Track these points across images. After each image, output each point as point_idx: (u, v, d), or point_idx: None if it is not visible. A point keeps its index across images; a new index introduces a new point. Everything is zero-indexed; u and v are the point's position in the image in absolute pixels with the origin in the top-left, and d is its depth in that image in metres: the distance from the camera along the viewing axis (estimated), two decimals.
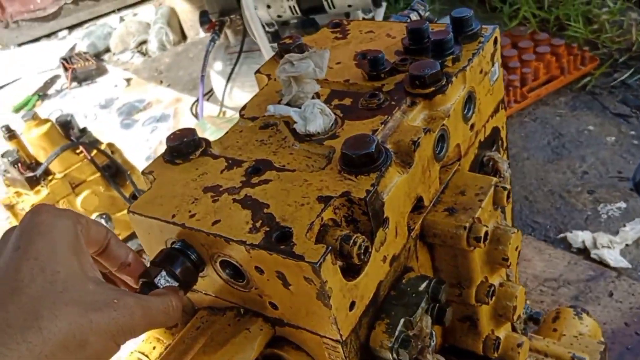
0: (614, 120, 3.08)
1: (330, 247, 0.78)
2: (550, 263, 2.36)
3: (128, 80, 5.10)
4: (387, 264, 0.92)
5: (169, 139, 1.02)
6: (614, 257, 2.33)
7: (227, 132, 1.08)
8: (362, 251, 0.81)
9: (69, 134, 2.51)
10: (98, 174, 2.58)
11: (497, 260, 1.02)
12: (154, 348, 1.04)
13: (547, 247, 2.44)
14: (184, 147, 1.00)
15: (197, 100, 3.88)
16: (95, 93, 5.02)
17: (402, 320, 0.90)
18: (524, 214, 2.70)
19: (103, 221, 2.57)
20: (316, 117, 0.97)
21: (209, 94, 4.32)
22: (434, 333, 0.99)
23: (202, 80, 3.49)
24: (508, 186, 1.03)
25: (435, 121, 0.99)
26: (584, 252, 2.44)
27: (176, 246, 0.90)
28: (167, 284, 0.86)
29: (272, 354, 0.93)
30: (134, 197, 2.59)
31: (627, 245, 2.42)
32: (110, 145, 2.71)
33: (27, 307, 0.66)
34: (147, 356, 1.03)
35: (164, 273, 0.86)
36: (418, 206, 1.00)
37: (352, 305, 0.85)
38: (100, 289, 0.73)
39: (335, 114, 1.00)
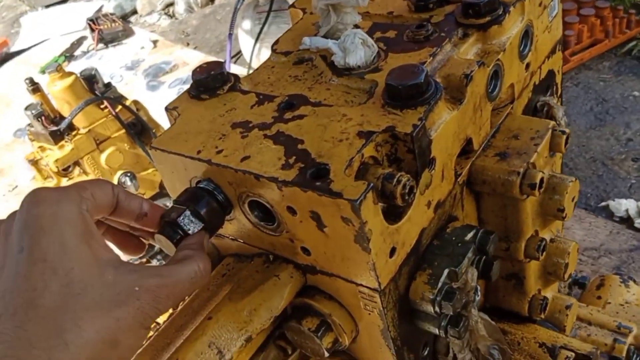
0: None
1: (372, 184, 0.70)
2: (590, 232, 2.24)
3: (154, 42, 5.04)
4: (432, 210, 0.84)
5: (194, 72, 0.94)
6: None
7: (257, 68, 1.00)
8: (406, 191, 0.73)
9: (94, 88, 2.45)
10: (123, 131, 2.52)
11: (552, 212, 0.93)
12: None
13: (588, 215, 2.32)
14: (211, 81, 0.93)
15: (224, 62, 3.79)
16: (122, 54, 4.98)
17: (446, 271, 0.82)
18: None
19: (127, 179, 2.52)
20: (357, 48, 0.88)
21: (237, 56, 4.24)
22: (478, 287, 0.90)
23: (230, 38, 3.40)
24: (567, 130, 0.93)
25: (490, 55, 0.89)
26: (627, 221, 2.32)
27: (202, 185, 0.83)
28: (192, 225, 0.79)
29: (303, 303, 0.85)
30: None
31: None
32: (135, 102, 2.65)
33: (48, 322, 0.59)
34: None
35: (188, 212, 0.79)
36: (466, 150, 0.91)
37: (393, 251, 0.77)
38: (119, 277, 0.65)
39: (377, 46, 0.91)
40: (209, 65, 0.95)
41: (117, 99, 2.48)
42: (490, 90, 0.89)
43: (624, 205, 2.36)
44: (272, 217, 0.80)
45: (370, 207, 0.70)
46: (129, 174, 2.52)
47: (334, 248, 0.76)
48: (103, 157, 2.50)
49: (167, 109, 0.94)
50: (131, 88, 4.25)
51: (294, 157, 0.76)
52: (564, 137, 0.92)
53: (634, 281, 1.63)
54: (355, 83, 0.88)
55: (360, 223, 0.70)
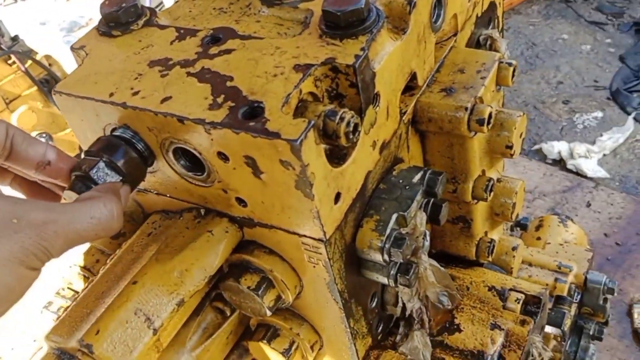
0: (589, 28, 2.95)
1: (312, 122, 0.62)
2: (524, 175, 2.26)
3: None
4: (377, 151, 0.77)
5: (103, 5, 0.82)
6: (591, 167, 2.25)
7: (176, 1, 0.89)
8: (350, 129, 0.65)
9: None
10: (35, 88, 2.31)
11: (500, 149, 0.89)
12: (97, 261, 0.88)
13: (522, 159, 2.34)
14: (122, 14, 0.81)
15: None
16: (33, 9, 4.61)
17: (394, 216, 0.76)
18: None
19: (43, 140, 2.33)
20: None
21: (159, 6, 4.00)
22: (427, 232, 0.85)
23: None
24: (514, 62, 0.87)
25: None
26: (559, 163, 2.35)
27: (117, 133, 0.73)
28: (108, 178, 0.69)
29: (241, 260, 0.78)
30: None
31: (604, 155, 2.34)
32: (47, 57, 2.43)
33: None
34: (89, 270, 0.87)
35: (102, 164, 0.69)
36: (411, 86, 0.84)
37: (338, 197, 0.70)
38: None
39: None
40: None
41: (26, 53, 2.26)
42: (434, 20, 0.82)
43: (556, 148, 2.39)
44: (201, 166, 0.71)
45: (312, 147, 0.62)
46: (44, 135, 2.33)
47: (273, 197, 0.68)
48: (14, 117, 2.30)
49: (72, 48, 0.82)
50: (46, 45, 3.94)
51: (223, 96, 0.67)
52: (511, 69, 0.87)
53: (572, 220, 1.64)
54: (288, 13, 0.79)
55: (302, 166, 0.62)
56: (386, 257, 0.75)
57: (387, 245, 0.74)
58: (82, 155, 0.72)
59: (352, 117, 0.65)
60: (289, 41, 0.73)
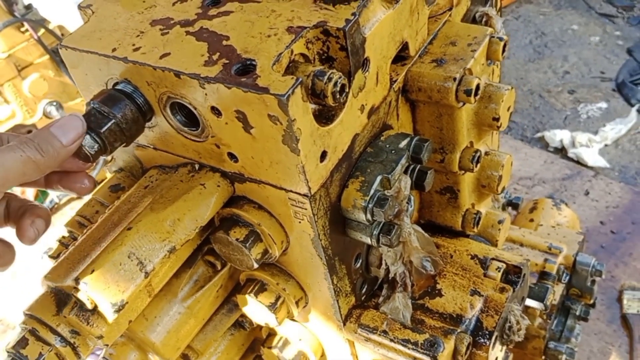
0: (599, 20, 2.95)
1: (300, 79, 0.65)
2: (525, 162, 2.28)
3: None
4: (365, 115, 0.80)
5: None
6: (592, 156, 2.26)
7: None
8: (337, 89, 0.68)
9: (12, 10, 2.26)
10: (47, 57, 2.35)
11: (487, 121, 0.91)
12: (96, 212, 0.92)
13: (524, 146, 2.36)
14: None
15: None
16: None
17: (378, 178, 0.79)
18: None
19: (53, 109, 2.38)
20: None
21: None
22: (412, 197, 0.88)
23: None
24: (505, 37, 0.90)
25: None
26: (561, 151, 2.37)
27: (119, 87, 0.77)
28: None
29: (231, 214, 0.82)
30: None
31: (606, 145, 2.36)
32: (60, 27, 2.47)
33: None
34: (88, 220, 0.91)
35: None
36: (403, 56, 0.87)
37: (324, 155, 0.73)
38: None
39: None
40: None
41: (39, 22, 2.30)
42: None
43: (558, 136, 2.40)
44: (195, 121, 0.75)
45: (299, 103, 0.66)
46: (54, 103, 2.37)
47: (262, 151, 0.72)
48: (25, 85, 2.34)
49: (79, 7, 0.86)
50: (59, 14, 3.97)
51: (218, 54, 0.71)
52: (502, 44, 0.90)
53: (566, 204, 1.67)
54: None
55: (289, 121, 0.65)
56: (369, 216, 0.79)
57: (370, 205, 0.78)
58: (85, 106, 0.76)
59: (340, 77, 0.68)
60: (285, 5, 0.76)
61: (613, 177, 2.26)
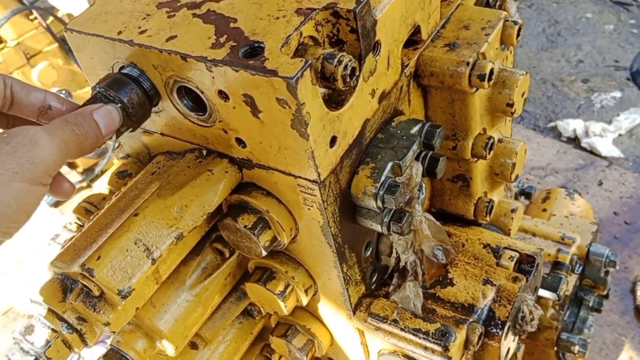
0: (614, 8, 2.89)
1: (309, 62, 0.63)
2: (538, 151, 2.25)
3: None
4: (376, 99, 0.78)
5: None
6: (605, 145, 2.23)
7: None
8: (348, 72, 0.66)
9: None
10: (56, 45, 2.35)
11: (501, 107, 0.89)
12: (103, 198, 0.91)
13: (536, 135, 2.32)
14: None
15: None
16: None
17: (389, 164, 0.77)
18: None
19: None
20: None
21: None
22: (423, 185, 0.87)
23: None
24: (520, 20, 0.88)
25: None
26: (574, 141, 2.34)
27: (125, 71, 0.75)
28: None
29: (240, 200, 0.80)
30: None
31: (620, 135, 2.32)
32: (69, 15, 2.46)
33: None
34: (95, 206, 0.90)
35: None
36: (415, 40, 0.86)
37: (334, 140, 0.72)
38: None
39: None
40: None
41: (48, 10, 2.30)
42: None
43: (571, 125, 2.37)
44: (203, 106, 0.74)
45: (308, 87, 0.64)
46: (63, 92, 2.37)
47: (270, 136, 0.70)
48: (34, 73, 2.33)
49: None
50: (68, 2, 3.97)
51: (226, 36, 0.69)
52: (516, 27, 0.87)
53: (579, 194, 1.65)
54: None
55: (297, 105, 0.64)
56: (379, 203, 0.77)
57: (380, 192, 0.76)
58: (91, 90, 0.75)
59: (350, 60, 0.67)
60: None
61: (627, 167, 2.22)
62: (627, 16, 2.89)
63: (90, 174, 2.54)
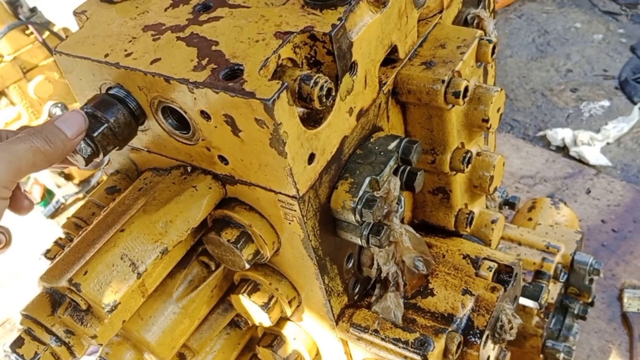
0: (603, 17, 2.94)
1: (286, 84, 0.67)
2: (527, 160, 2.29)
3: None
4: (354, 117, 0.81)
5: None
6: (594, 154, 2.26)
7: None
8: (324, 93, 0.69)
9: (17, 13, 2.29)
10: (52, 59, 2.38)
11: (477, 122, 0.92)
12: (92, 214, 0.94)
13: (526, 144, 2.36)
14: None
15: None
16: None
17: (367, 179, 0.80)
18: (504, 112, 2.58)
19: (58, 110, 2.40)
20: None
21: None
22: (402, 198, 0.90)
23: None
24: (494, 39, 0.91)
25: None
26: (563, 150, 2.37)
27: (112, 92, 0.78)
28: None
29: (223, 215, 0.83)
30: None
31: (608, 143, 2.35)
32: (65, 29, 2.50)
33: None
34: (84, 221, 0.93)
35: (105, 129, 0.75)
36: (393, 59, 0.89)
37: (312, 157, 0.75)
38: None
39: None
40: None
41: (44, 25, 2.33)
42: None
43: (560, 134, 2.40)
44: (186, 125, 0.76)
45: (285, 107, 0.67)
46: (59, 105, 2.40)
47: (251, 154, 0.73)
48: (31, 87, 2.37)
49: (75, 12, 0.87)
50: (64, 17, 4.01)
51: (207, 59, 0.72)
52: (491, 46, 0.90)
53: (565, 203, 1.67)
54: None
55: (275, 125, 0.67)
56: (358, 217, 0.80)
57: (359, 206, 0.79)
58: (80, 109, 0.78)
59: (326, 81, 0.70)
60: (274, 10, 0.77)
61: (615, 176, 2.25)
62: (616, 26, 2.93)
63: (86, 186, 2.57)
